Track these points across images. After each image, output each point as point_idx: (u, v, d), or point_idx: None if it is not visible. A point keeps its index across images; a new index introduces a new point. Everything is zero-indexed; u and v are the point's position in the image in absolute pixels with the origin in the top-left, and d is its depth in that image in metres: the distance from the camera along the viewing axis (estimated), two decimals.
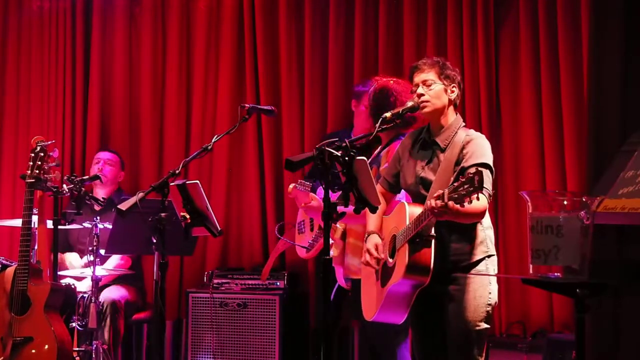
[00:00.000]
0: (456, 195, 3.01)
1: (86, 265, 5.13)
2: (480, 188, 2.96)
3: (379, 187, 3.73)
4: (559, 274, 2.59)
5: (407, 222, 3.39)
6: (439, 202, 3.07)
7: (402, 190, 3.73)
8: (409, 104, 3.55)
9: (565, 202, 2.60)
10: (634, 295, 3.40)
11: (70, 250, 5.56)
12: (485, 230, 3.48)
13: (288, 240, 5.23)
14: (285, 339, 5.36)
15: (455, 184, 3.03)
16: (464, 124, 3.54)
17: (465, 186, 2.98)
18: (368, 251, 3.56)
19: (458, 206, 3.03)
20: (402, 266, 3.36)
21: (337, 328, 4.94)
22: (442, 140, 3.50)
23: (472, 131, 3.52)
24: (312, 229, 5.15)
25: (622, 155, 3.30)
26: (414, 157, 3.58)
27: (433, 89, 3.49)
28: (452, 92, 3.52)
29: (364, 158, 3.19)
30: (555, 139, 5.22)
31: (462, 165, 3.35)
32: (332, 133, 5.43)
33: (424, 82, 3.51)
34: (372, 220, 3.65)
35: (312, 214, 4.63)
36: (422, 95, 3.49)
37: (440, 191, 3.08)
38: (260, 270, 5.51)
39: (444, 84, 3.50)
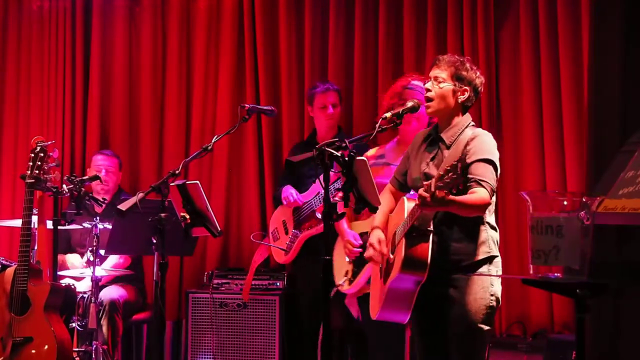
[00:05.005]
0: (441, 184, 2.97)
1: (86, 266, 5.12)
2: (463, 175, 2.94)
3: (389, 186, 3.73)
4: (559, 274, 2.58)
5: (405, 217, 3.38)
6: (424, 193, 3.04)
7: None
8: (409, 104, 3.55)
9: (565, 203, 2.59)
10: (634, 295, 3.40)
11: (72, 252, 5.55)
12: (488, 230, 3.45)
13: (265, 242, 5.23)
14: (285, 339, 5.36)
15: (441, 172, 3.00)
16: (472, 123, 3.52)
17: (450, 174, 2.95)
18: (371, 245, 3.53)
19: (444, 193, 2.97)
20: (399, 260, 3.34)
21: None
22: (448, 137, 3.47)
23: (478, 129, 3.49)
24: (286, 233, 5.16)
25: (622, 155, 3.28)
26: (421, 154, 3.56)
27: (441, 88, 3.46)
28: (463, 94, 3.46)
29: (364, 158, 3.20)
30: (555, 139, 5.21)
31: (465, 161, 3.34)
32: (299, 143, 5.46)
33: (436, 78, 3.48)
34: (378, 216, 3.62)
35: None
36: (429, 90, 3.48)
37: (427, 182, 3.06)
38: (261, 271, 5.51)
39: (454, 85, 3.46)
